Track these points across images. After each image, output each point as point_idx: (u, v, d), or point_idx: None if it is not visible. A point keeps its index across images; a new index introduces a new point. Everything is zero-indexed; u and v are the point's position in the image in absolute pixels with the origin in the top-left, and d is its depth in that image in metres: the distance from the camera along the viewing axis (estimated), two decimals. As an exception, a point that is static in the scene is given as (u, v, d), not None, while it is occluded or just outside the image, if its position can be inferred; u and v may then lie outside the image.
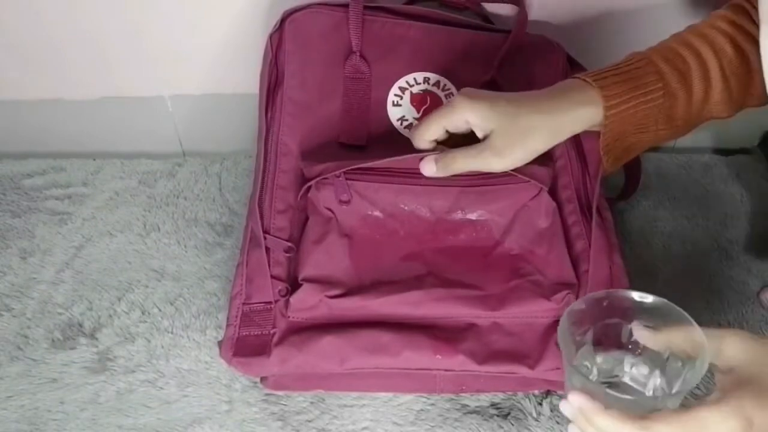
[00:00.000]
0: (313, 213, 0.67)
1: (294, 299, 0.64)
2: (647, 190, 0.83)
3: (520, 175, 0.65)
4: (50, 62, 0.84)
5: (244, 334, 0.64)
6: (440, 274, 0.65)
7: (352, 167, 0.65)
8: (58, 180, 0.88)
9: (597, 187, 0.68)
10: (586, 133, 0.66)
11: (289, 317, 0.64)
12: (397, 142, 0.70)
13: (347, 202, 0.66)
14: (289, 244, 0.67)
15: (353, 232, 0.66)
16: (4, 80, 0.87)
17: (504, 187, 0.66)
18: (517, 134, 0.59)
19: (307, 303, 0.64)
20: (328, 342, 0.62)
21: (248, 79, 0.83)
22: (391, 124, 0.71)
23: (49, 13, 0.80)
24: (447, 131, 0.62)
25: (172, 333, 0.73)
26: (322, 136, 0.70)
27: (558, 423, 0.66)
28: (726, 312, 0.73)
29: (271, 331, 0.64)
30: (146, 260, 0.80)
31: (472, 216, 0.67)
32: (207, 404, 0.68)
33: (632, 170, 0.82)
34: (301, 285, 0.64)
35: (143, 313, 0.75)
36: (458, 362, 0.63)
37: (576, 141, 0.72)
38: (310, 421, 0.67)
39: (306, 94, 0.71)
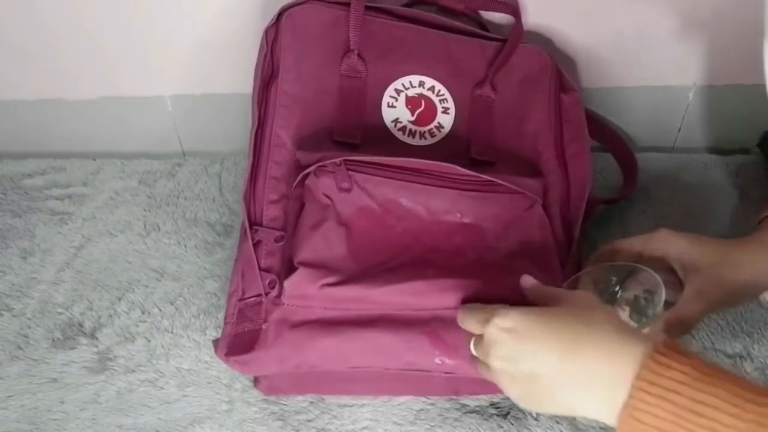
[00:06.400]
0: (309, 200, 0.66)
1: (288, 283, 0.62)
2: (648, 189, 0.83)
3: (514, 186, 0.66)
4: (50, 62, 0.84)
5: (238, 331, 0.64)
6: (440, 269, 0.64)
7: (353, 158, 0.64)
8: (58, 180, 0.88)
9: (582, 209, 0.70)
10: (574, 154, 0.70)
11: (283, 304, 0.63)
12: (391, 143, 0.70)
13: (347, 190, 0.65)
14: (280, 232, 0.66)
15: (350, 223, 0.65)
16: (4, 80, 0.87)
17: (498, 195, 0.66)
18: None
19: (302, 289, 0.62)
20: (329, 343, 0.62)
21: (248, 80, 0.82)
22: (386, 126, 0.71)
23: (49, 13, 0.80)
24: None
25: (172, 333, 0.73)
26: (315, 132, 0.69)
27: (557, 423, 0.66)
28: (725, 311, 0.73)
29: (263, 326, 0.63)
30: (146, 260, 0.80)
31: (467, 220, 0.67)
32: (207, 404, 0.68)
33: (630, 171, 0.82)
34: (296, 269, 0.62)
35: (143, 313, 0.75)
36: (459, 366, 0.62)
37: (562, 157, 0.73)
38: (309, 421, 0.67)
39: (301, 89, 0.70)
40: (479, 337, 0.55)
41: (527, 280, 0.59)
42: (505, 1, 0.75)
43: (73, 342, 0.73)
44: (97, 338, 0.73)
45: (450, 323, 0.62)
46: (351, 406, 0.68)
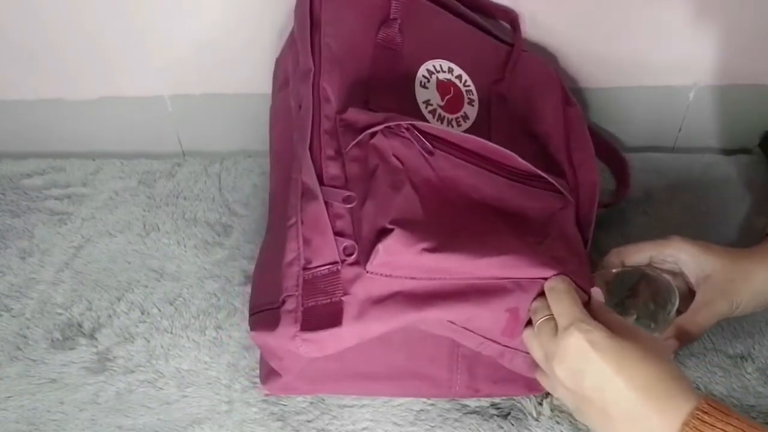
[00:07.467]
0: (382, 160, 0.60)
1: (383, 246, 0.55)
2: (648, 190, 0.83)
3: (557, 185, 0.65)
4: (50, 62, 0.84)
5: (309, 304, 0.57)
6: (518, 243, 0.61)
7: (420, 126, 0.61)
8: (58, 180, 0.88)
9: (593, 216, 0.70)
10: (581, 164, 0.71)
11: (366, 273, 0.56)
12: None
13: (431, 153, 0.61)
14: (349, 192, 0.58)
15: (419, 190, 0.60)
16: (4, 80, 0.87)
17: (537, 191, 0.66)
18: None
19: (398, 254, 0.55)
20: (418, 317, 0.57)
21: (248, 79, 0.83)
22: (418, 105, 0.68)
23: (49, 13, 0.80)
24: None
25: (171, 333, 0.73)
26: (350, 94, 0.65)
27: (558, 423, 0.66)
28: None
29: (342, 298, 0.56)
30: (146, 260, 0.80)
31: (510, 210, 0.65)
32: (207, 404, 0.68)
33: (621, 172, 0.82)
34: (389, 231, 0.55)
35: (143, 313, 0.75)
36: (518, 340, 0.60)
37: (570, 163, 0.73)
38: (309, 422, 0.67)
39: (339, 47, 0.66)
40: (549, 318, 0.55)
41: (598, 293, 0.59)
42: (503, 7, 0.76)
43: (73, 342, 0.73)
44: (96, 339, 0.73)
45: (530, 296, 0.59)
46: (351, 406, 0.67)
